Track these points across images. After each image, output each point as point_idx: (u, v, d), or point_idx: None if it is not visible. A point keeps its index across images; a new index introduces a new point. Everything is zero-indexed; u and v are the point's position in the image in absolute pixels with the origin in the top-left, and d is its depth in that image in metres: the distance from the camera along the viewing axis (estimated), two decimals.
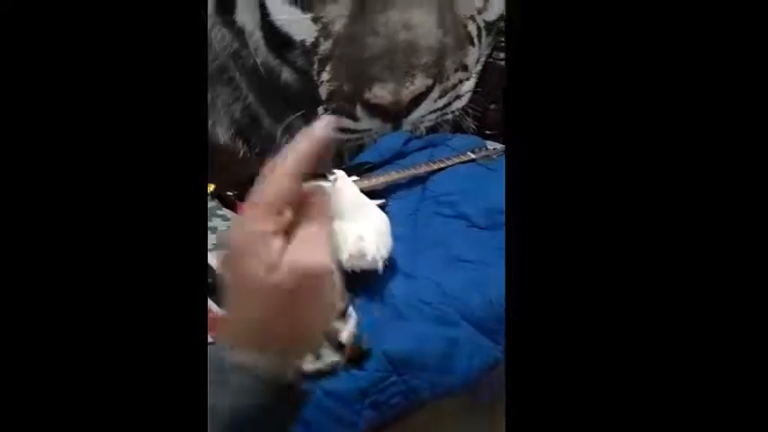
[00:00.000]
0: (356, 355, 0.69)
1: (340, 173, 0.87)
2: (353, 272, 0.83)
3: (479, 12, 1.14)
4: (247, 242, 0.27)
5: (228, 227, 0.84)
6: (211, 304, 0.73)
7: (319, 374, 0.67)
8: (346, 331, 0.70)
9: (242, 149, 1.03)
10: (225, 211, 0.90)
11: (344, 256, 0.77)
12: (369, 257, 0.78)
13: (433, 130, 1.23)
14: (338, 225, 0.83)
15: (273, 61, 0.96)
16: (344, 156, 1.15)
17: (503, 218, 0.97)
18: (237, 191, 0.96)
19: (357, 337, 0.69)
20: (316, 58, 1.00)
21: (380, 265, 0.79)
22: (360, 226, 0.81)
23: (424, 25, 1.07)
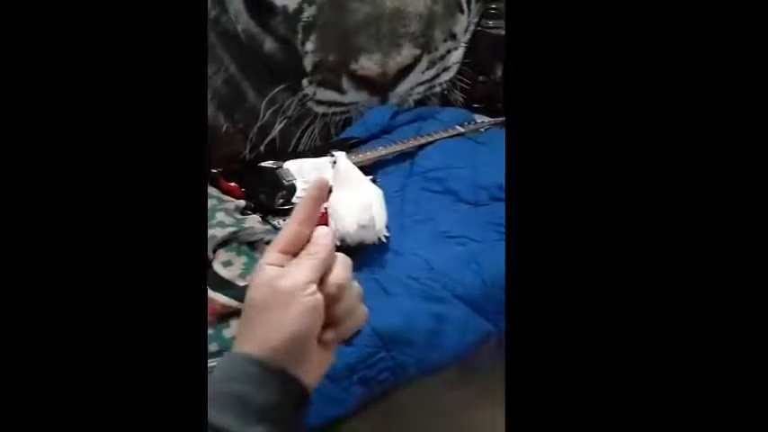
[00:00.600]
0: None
1: (339, 153, 0.86)
2: (346, 245, 0.84)
3: None
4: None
5: (214, 206, 0.82)
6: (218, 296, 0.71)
7: None
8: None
9: (225, 125, 0.99)
10: (210, 189, 0.88)
11: (353, 226, 0.77)
12: (377, 227, 0.79)
13: (420, 103, 1.21)
14: (342, 196, 0.83)
15: (255, 29, 0.92)
16: (331, 130, 1.12)
17: (490, 193, 0.98)
18: (222, 167, 0.94)
19: None
20: (299, 26, 0.95)
21: (384, 236, 0.80)
22: (362, 197, 0.81)
23: None
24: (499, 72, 1.24)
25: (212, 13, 0.88)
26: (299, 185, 0.95)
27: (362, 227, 0.79)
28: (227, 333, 0.68)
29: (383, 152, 1.03)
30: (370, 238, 0.80)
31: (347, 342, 0.73)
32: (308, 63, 1.01)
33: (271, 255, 0.32)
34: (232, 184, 0.92)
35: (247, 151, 1.04)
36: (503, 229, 0.87)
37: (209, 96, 0.95)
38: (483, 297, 0.79)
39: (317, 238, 0.32)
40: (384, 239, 0.81)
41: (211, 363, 0.61)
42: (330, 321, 0.33)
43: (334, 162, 0.85)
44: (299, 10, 0.94)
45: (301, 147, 1.08)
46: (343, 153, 0.89)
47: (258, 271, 0.31)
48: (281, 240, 0.32)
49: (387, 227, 0.83)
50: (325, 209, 0.89)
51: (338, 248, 0.34)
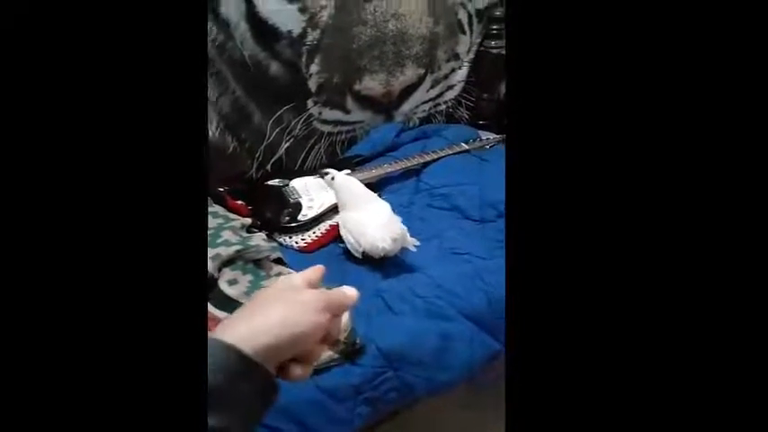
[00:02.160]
0: (350, 351, 0.68)
1: (334, 171, 0.87)
2: (344, 262, 0.84)
3: None
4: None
5: (220, 225, 0.83)
6: (212, 309, 0.72)
7: (313, 371, 0.67)
8: (341, 326, 0.69)
9: (231, 144, 1.01)
10: (216, 208, 0.88)
11: (386, 241, 0.79)
12: (408, 239, 0.80)
13: (425, 120, 1.22)
14: (353, 214, 0.83)
15: (261, 54, 0.94)
16: (337, 149, 1.13)
17: (495, 210, 0.97)
18: (228, 186, 0.95)
19: (353, 332, 0.69)
20: (304, 50, 0.98)
21: (415, 245, 0.81)
22: (378, 211, 0.83)
23: (413, 14, 1.05)
24: (503, 90, 1.25)
25: (219, 39, 0.90)
26: (305, 203, 0.96)
27: (394, 240, 0.80)
28: None
29: (389, 169, 1.04)
30: (398, 249, 0.81)
31: (352, 361, 0.71)
32: (312, 84, 1.03)
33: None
34: (239, 202, 0.93)
35: (254, 170, 1.06)
36: None
37: (215, 119, 0.97)
38: (490, 315, 0.78)
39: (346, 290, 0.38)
40: (415, 248, 0.81)
41: None
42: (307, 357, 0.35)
43: (332, 178, 0.86)
44: (303, 34, 0.97)
45: (307, 165, 1.09)
46: (342, 171, 0.91)
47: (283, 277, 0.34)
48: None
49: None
50: (332, 225, 0.90)
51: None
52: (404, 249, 0.82)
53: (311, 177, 0.99)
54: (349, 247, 0.85)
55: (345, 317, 0.71)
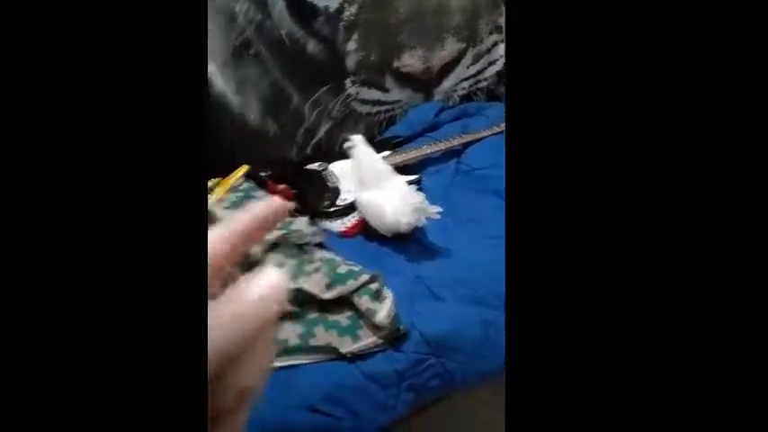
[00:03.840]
0: (394, 337, 0.69)
1: (357, 137, 0.86)
2: (384, 245, 0.84)
3: None
4: None
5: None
6: None
7: (356, 357, 0.68)
8: (383, 312, 0.70)
9: (272, 128, 1.01)
10: (260, 193, 0.90)
11: (407, 215, 0.78)
12: (429, 209, 0.79)
13: (466, 99, 1.17)
14: (371, 195, 0.83)
15: (298, 32, 0.92)
16: (374, 130, 1.11)
17: None
18: (271, 171, 0.95)
19: (396, 318, 0.69)
20: (341, 26, 0.95)
21: (437, 212, 0.80)
22: (396, 187, 0.82)
23: None
24: None
25: (256, 18, 0.89)
26: (344, 187, 0.95)
27: (414, 210, 0.79)
28: (279, 335, 0.70)
29: (428, 150, 1.02)
30: (422, 220, 0.80)
31: (395, 347, 0.71)
32: (350, 62, 1.00)
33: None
34: (281, 186, 0.94)
35: (294, 154, 1.06)
36: None
37: (255, 103, 0.97)
38: None
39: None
40: (439, 215, 0.80)
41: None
42: None
43: (352, 146, 0.84)
44: (341, 9, 0.94)
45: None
46: (360, 138, 0.88)
47: None
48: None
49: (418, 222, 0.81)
50: (362, 217, 0.88)
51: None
52: (429, 219, 0.80)
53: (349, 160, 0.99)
54: (376, 228, 0.85)
55: (388, 303, 0.72)
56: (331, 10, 0.93)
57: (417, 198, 0.79)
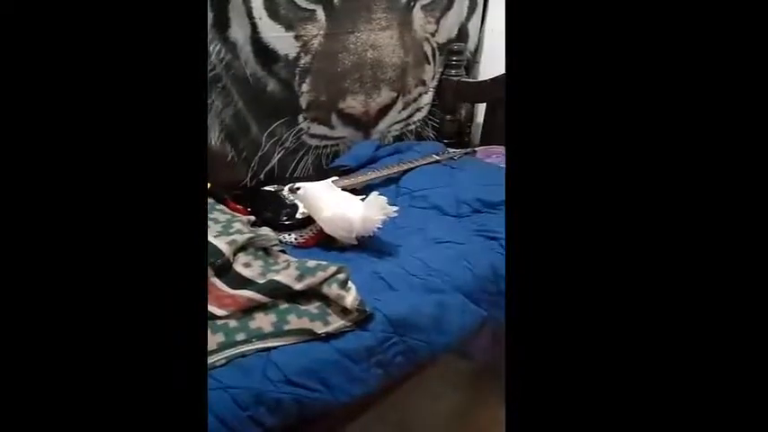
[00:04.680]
0: (361, 318, 0.77)
1: (304, 184, 0.97)
2: (342, 252, 0.94)
3: (432, 35, 1.32)
4: None
5: (229, 219, 0.90)
6: (220, 284, 0.78)
7: (329, 336, 0.74)
8: (351, 297, 0.78)
9: (230, 154, 1.10)
10: (222, 207, 0.95)
11: (378, 219, 0.89)
12: (386, 208, 0.90)
13: (398, 138, 1.37)
14: (329, 213, 0.93)
15: (261, 72, 1.06)
16: (322, 161, 1.25)
17: (470, 207, 1.12)
18: (227, 191, 1.02)
19: (362, 302, 0.77)
20: (297, 71, 1.11)
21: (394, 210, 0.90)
22: (350, 201, 0.94)
23: (387, 45, 1.23)
24: (463, 112, 1.45)
25: (226, 58, 1.02)
26: (300, 205, 1.05)
27: (383, 209, 0.89)
28: (252, 324, 0.73)
29: (372, 176, 1.16)
30: (386, 219, 0.91)
31: (362, 327, 0.79)
32: (303, 102, 1.15)
33: None
34: (239, 206, 1.00)
35: (248, 178, 1.14)
36: (485, 234, 1.00)
37: (217, 128, 1.06)
38: (475, 288, 0.89)
39: None
40: (396, 213, 0.92)
41: (228, 353, 0.66)
42: None
43: (297, 189, 0.94)
44: (297, 57, 1.11)
45: (296, 175, 1.19)
46: (330, 177, 1.02)
47: None
48: None
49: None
50: (318, 231, 0.98)
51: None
52: (387, 221, 0.92)
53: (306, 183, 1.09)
54: (343, 240, 0.95)
55: (353, 290, 0.80)
56: (290, 57, 1.10)
57: (381, 198, 0.90)
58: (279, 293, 0.77)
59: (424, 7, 1.27)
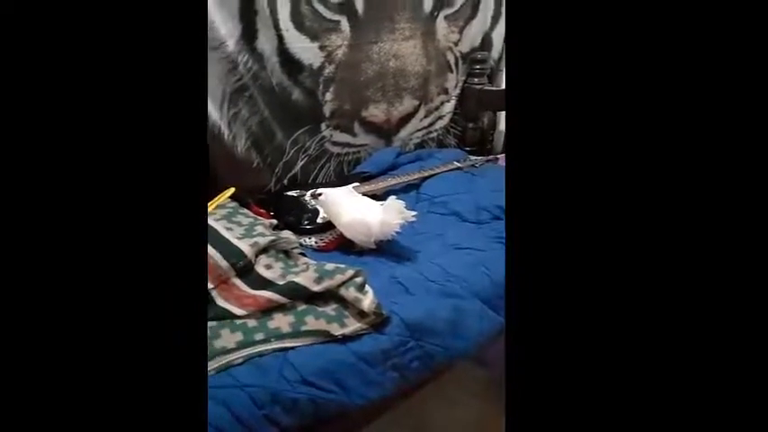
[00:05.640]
0: (378, 321, 0.77)
1: (325, 189, 0.98)
2: (360, 257, 0.95)
3: (456, 44, 1.33)
4: None
5: (252, 222, 0.93)
6: (242, 284, 0.80)
7: (346, 338, 0.75)
8: (368, 299, 0.79)
9: (255, 160, 1.14)
10: (245, 211, 0.99)
11: (396, 223, 0.90)
12: (405, 212, 0.91)
13: (419, 146, 1.39)
14: (348, 218, 0.95)
15: (287, 82, 1.10)
16: (344, 168, 1.27)
17: (490, 214, 1.11)
18: (251, 195, 1.06)
19: (379, 306, 0.78)
20: (321, 80, 1.14)
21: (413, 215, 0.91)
22: (369, 205, 0.95)
23: (410, 55, 1.25)
24: (485, 120, 1.45)
25: (253, 68, 1.06)
26: (322, 211, 1.07)
27: (401, 212, 0.90)
28: (271, 324, 0.75)
29: (392, 182, 1.18)
30: (404, 223, 0.92)
31: (379, 330, 0.80)
32: (326, 110, 1.18)
33: None
34: (262, 210, 1.03)
35: (272, 184, 1.18)
36: (504, 241, 1.00)
37: (244, 136, 1.10)
38: (493, 294, 0.89)
39: None
40: (414, 218, 0.92)
41: (246, 352, 0.68)
42: None
43: (319, 195, 0.96)
44: (322, 67, 1.14)
45: (318, 181, 1.22)
46: (351, 183, 1.04)
47: None
48: None
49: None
50: (338, 235, 1.00)
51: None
52: (406, 225, 0.92)
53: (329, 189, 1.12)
54: (362, 245, 0.96)
55: (371, 294, 0.81)
56: (314, 67, 1.13)
57: (399, 203, 0.91)
58: (297, 295, 0.79)
59: (447, 17, 1.28)
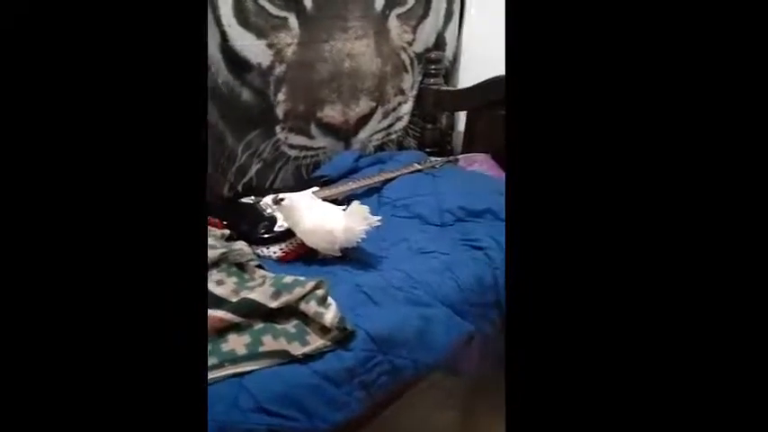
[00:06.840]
0: (341, 337, 0.72)
1: (288, 194, 0.94)
2: (323, 266, 0.89)
3: (409, 44, 1.31)
4: None
5: None
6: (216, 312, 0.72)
7: (307, 358, 0.69)
8: (331, 313, 0.73)
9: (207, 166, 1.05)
10: None
11: (361, 231, 0.85)
12: (370, 218, 0.87)
13: (379, 148, 1.35)
14: (309, 224, 0.89)
15: (233, 81, 1.02)
16: (302, 172, 1.21)
17: (453, 216, 1.09)
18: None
19: (342, 320, 0.73)
20: (272, 80, 1.08)
21: (377, 220, 0.88)
22: (330, 210, 0.90)
23: (364, 54, 1.21)
24: (443, 120, 1.43)
25: None
26: (280, 217, 1.01)
27: (365, 218, 0.86)
28: (224, 347, 0.68)
29: (353, 186, 1.13)
30: (368, 229, 0.88)
31: (343, 346, 0.75)
32: (279, 111, 1.12)
33: None
34: (213, 219, 0.95)
35: (225, 191, 1.09)
36: (470, 244, 0.98)
37: None
38: (460, 300, 0.86)
39: None
40: (379, 223, 0.88)
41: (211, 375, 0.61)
42: None
43: (281, 200, 0.90)
44: (272, 66, 1.07)
45: (276, 186, 1.15)
46: (310, 188, 0.98)
47: None
48: None
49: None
50: (299, 243, 0.94)
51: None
52: (369, 232, 0.88)
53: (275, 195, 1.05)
54: (326, 253, 0.91)
55: (333, 307, 0.76)
56: (263, 67, 1.06)
57: (363, 208, 0.86)
58: (253, 312, 0.73)
59: (399, 16, 1.25)
